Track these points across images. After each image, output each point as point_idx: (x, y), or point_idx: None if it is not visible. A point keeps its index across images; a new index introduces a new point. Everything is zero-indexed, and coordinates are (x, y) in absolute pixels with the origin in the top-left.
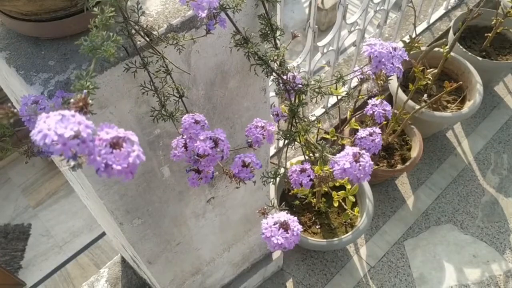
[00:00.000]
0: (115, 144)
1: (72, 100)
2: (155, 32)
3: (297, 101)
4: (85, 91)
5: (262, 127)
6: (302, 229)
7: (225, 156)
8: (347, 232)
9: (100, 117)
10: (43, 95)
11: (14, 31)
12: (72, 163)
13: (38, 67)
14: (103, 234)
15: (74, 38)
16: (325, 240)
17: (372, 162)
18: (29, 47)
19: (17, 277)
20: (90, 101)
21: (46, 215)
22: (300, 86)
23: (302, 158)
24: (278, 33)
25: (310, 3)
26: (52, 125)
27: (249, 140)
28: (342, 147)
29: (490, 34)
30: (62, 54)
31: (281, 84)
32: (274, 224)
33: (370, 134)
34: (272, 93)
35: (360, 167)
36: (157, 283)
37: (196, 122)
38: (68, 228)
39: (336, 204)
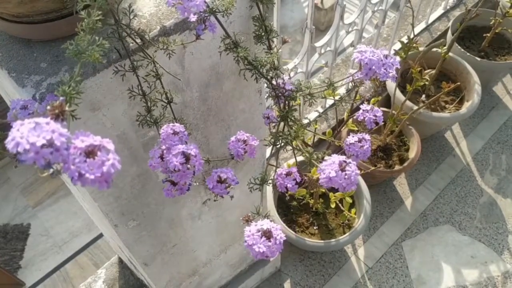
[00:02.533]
0: (90, 152)
1: (48, 107)
2: (146, 36)
3: (287, 107)
4: (61, 97)
5: (244, 141)
6: (299, 230)
7: (196, 172)
8: (344, 233)
9: (93, 120)
10: (32, 100)
11: (6, 33)
12: (51, 170)
13: (30, 69)
14: (102, 234)
15: (66, 40)
16: (322, 241)
17: (358, 171)
18: (21, 49)
19: (16, 277)
20: (67, 108)
21: (46, 215)
22: (290, 92)
23: (299, 159)
24: (273, 34)
25: (308, 2)
26: (25, 133)
27: (232, 153)
28: (339, 149)
29: (488, 35)
30: (54, 56)
31: (270, 90)
32: (257, 232)
33: (359, 141)
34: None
35: (346, 176)
36: (154, 284)
37: (175, 133)
38: (67, 228)
39: (333, 205)
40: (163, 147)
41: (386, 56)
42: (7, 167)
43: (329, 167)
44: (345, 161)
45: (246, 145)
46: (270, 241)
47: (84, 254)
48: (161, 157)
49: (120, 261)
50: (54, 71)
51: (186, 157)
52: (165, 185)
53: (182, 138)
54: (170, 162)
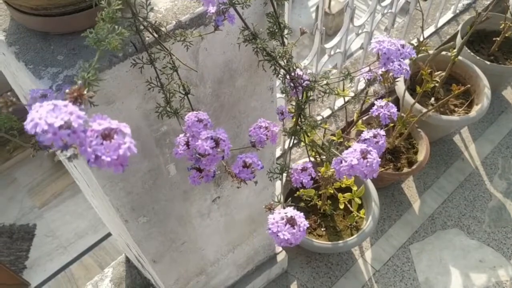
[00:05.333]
0: (106, 135)
1: (67, 91)
2: (163, 29)
3: (304, 97)
4: (80, 82)
5: (266, 128)
6: (307, 232)
7: (226, 156)
8: (352, 235)
9: (107, 112)
10: (50, 89)
11: (24, 25)
12: (67, 153)
13: (47, 61)
14: (108, 235)
15: (83, 33)
16: (330, 242)
17: (380, 159)
18: (38, 42)
19: (22, 277)
20: (87, 92)
21: (51, 215)
22: (308, 82)
23: (307, 160)
24: (286, 31)
25: (318, 6)
26: (44, 114)
27: (253, 140)
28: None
29: (498, 38)
30: (71, 49)
31: (288, 81)
32: (281, 220)
33: (374, 136)
34: (279, 94)
35: (368, 164)
36: (162, 282)
37: (199, 120)
38: (73, 229)
39: (341, 207)
40: (188, 134)
41: (403, 46)
42: (14, 168)
43: (351, 155)
44: (366, 149)
45: (268, 131)
46: (294, 228)
47: (89, 255)
48: (187, 145)
49: (127, 260)
50: (71, 63)
51: (216, 141)
52: (190, 173)
53: (206, 125)
54: (200, 147)
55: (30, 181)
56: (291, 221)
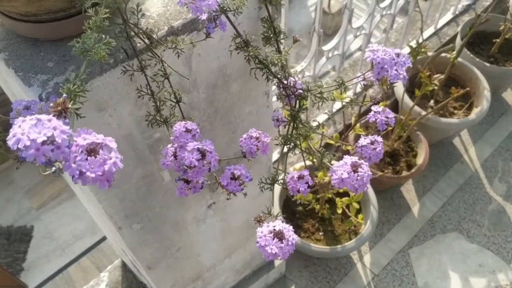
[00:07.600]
0: (92, 150)
1: (51, 104)
2: (154, 35)
3: (297, 106)
4: (64, 95)
5: (257, 138)
6: (305, 236)
7: (212, 168)
8: (350, 239)
9: (99, 120)
10: (35, 100)
11: (14, 32)
12: (53, 168)
13: (37, 68)
14: (106, 237)
15: (73, 39)
16: (328, 247)
17: (371, 173)
18: (28, 48)
19: (19, 279)
20: (73, 105)
21: (49, 217)
22: (301, 91)
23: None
24: (281, 36)
25: (316, 6)
26: (26, 130)
27: (244, 151)
28: (346, 153)
29: (498, 40)
30: (61, 55)
31: (281, 89)
32: (269, 233)
33: (372, 143)
34: (275, 98)
35: (358, 178)
36: None
37: (188, 130)
38: (70, 230)
39: (339, 211)
40: (176, 145)
41: (398, 55)
42: (12, 169)
43: (341, 168)
44: (357, 162)
45: (258, 142)
46: (282, 243)
47: (87, 257)
48: (174, 156)
49: (123, 264)
50: (61, 70)
51: (202, 153)
52: (178, 184)
53: (195, 135)
54: (186, 159)
55: (27, 182)
56: (279, 235)
